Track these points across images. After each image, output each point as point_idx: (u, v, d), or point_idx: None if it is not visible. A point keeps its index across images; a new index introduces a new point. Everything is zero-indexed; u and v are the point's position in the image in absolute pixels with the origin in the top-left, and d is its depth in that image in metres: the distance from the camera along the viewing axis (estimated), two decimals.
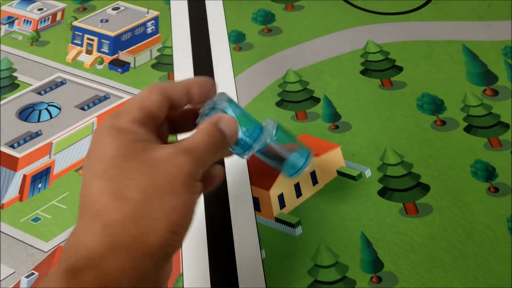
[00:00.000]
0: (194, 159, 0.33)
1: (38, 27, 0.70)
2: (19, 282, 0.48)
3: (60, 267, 0.29)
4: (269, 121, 0.41)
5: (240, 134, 0.38)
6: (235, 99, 0.57)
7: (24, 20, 0.72)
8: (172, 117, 0.38)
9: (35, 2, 0.74)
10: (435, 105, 0.58)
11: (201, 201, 0.52)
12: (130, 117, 0.34)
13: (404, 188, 0.52)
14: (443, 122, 0.56)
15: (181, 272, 0.47)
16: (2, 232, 0.51)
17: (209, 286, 0.46)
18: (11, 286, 0.48)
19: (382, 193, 0.51)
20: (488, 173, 0.52)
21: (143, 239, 0.30)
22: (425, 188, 0.51)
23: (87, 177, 0.32)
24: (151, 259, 0.30)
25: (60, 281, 0.28)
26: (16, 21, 0.71)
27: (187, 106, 0.38)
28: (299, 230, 0.49)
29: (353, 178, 0.53)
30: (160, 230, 0.30)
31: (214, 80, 0.39)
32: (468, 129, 0.56)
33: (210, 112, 0.38)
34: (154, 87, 0.36)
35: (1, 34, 0.70)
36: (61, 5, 0.73)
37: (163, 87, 0.36)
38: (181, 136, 0.39)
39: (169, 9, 0.72)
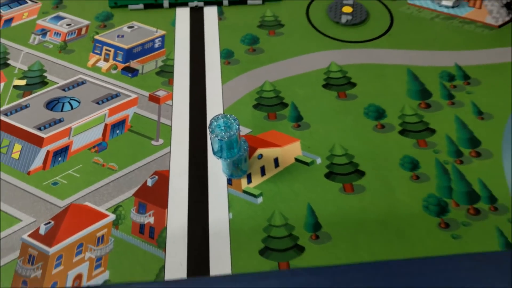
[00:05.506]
0: None
1: (66, 39, 0.83)
2: (39, 228, 0.60)
3: None
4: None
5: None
6: (221, 102, 0.72)
7: (55, 32, 0.85)
8: None
9: (64, 18, 0.89)
10: (378, 113, 0.71)
11: (185, 178, 0.65)
12: None
13: (345, 173, 0.65)
14: (383, 126, 0.70)
15: (165, 225, 0.61)
16: (28, 192, 0.64)
17: (186, 235, 0.59)
18: (33, 230, 0.61)
19: (328, 175, 0.64)
20: (412, 165, 0.65)
21: None
22: (361, 174, 0.65)
23: None
24: None
25: None
26: (48, 33, 0.84)
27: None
28: (260, 199, 0.62)
29: (307, 164, 0.66)
30: None
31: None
32: (402, 132, 0.69)
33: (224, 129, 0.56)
34: None
35: (35, 43, 0.83)
36: (86, 22, 0.87)
37: None
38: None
39: (174, 30, 0.85)
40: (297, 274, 0.46)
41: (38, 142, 0.70)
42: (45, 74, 0.79)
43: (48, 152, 0.68)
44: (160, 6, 0.89)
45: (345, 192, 0.63)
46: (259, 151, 0.67)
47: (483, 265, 0.47)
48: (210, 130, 0.57)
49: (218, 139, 0.56)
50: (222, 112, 0.71)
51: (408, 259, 0.50)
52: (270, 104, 0.73)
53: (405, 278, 0.45)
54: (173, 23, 0.87)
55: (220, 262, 0.57)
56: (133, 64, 0.80)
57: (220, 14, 0.88)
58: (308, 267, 0.54)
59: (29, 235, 0.60)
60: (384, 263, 0.47)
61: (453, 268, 0.46)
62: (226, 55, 0.81)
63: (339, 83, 0.76)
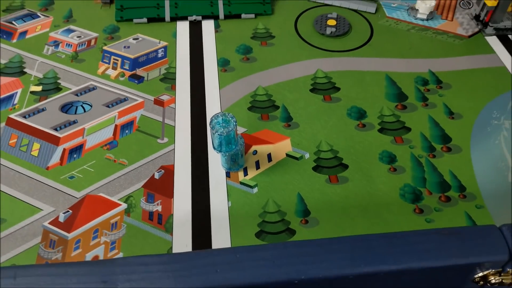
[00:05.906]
0: None
1: (77, 49, 0.90)
2: (58, 216, 0.67)
3: None
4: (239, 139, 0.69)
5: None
6: (219, 105, 0.80)
7: (67, 44, 0.91)
8: None
9: (75, 31, 0.96)
10: (359, 114, 0.79)
11: (189, 172, 0.72)
12: None
13: (330, 166, 0.72)
14: (364, 125, 0.77)
15: (172, 213, 0.67)
16: (48, 185, 0.71)
17: (190, 221, 0.67)
18: (53, 218, 0.68)
19: (315, 168, 0.72)
20: (390, 159, 0.73)
21: None
22: (345, 167, 0.72)
23: None
24: None
25: None
26: (60, 44, 0.91)
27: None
28: (255, 190, 0.69)
29: (296, 158, 0.73)
30: None
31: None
32: (380, 130, 0.77)
33: (223, 125, 0.64)
34: None
35: (49, 53, 0.90)
36: (95, 34, 0.93)
37: None
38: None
39: (175, 42, 0.92)
40: (287, 246, 0.54)
41: (55, 141, 0.76)
42: (59, 81, 0.85)
43: (64, 150, 0.75)
44: (162, 20, 0.96)
45: (331, 183, 0.70)
46: (254, 147, 0.74)
47: (449, 237, 0.54)
48: (211, 126, 0.65)
49: (218, 135, 0.64)
50: None
51: (383, 233, 0.57)
52: (263, 106, 0.80)
53: (380, 247, 0.53)
54: (174, 35, 0.93)
55: (221, 244, 0.63)
56: (139, 71, 0.87)
57: (217, 27, 0.95)
58: (297, 240, 0.62)
59: (50, 223, 0.67)
60: (361, 236, 0.54)
61: (423, 241, 0.54)
62: (223, 63, 0.87)
63: (324, 87, 0.83)
